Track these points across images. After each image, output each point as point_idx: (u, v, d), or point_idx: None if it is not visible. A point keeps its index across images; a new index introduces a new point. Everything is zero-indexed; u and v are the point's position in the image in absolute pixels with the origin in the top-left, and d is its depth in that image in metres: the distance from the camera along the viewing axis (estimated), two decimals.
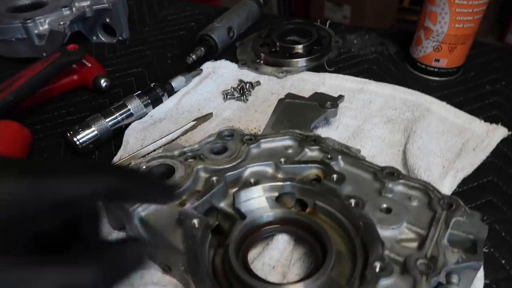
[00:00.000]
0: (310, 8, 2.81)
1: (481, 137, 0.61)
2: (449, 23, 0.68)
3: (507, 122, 0.64)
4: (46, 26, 0.86)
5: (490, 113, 0.67)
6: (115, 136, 0.70)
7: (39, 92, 0.76)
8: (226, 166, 0.52)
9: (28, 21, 0.84)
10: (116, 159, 0.66)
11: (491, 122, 0.63)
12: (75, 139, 0.66)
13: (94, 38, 0.99)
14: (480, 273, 0.45)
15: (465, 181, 0.56)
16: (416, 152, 0.57)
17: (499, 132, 0.61)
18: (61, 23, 0.84)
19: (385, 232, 0.43)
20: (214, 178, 0.49)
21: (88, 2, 0.93)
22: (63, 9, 0.89)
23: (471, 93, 0.72)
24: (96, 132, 0.68)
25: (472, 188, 0.55)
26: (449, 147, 0.61)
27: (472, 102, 0.70)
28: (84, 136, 0.67)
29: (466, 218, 0.43)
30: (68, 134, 0.67)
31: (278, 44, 0.84)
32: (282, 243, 0.48)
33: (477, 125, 0.63)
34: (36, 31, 0.85)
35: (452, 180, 0.55)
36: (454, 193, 0.54)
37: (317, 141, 0.55)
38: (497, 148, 0.60)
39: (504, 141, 0.61)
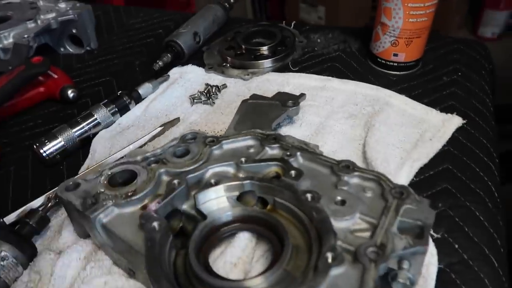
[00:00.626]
0: (285, 10, 2.84)
1: (437, 127, 0.63)
2: (403, 18, 0.71)
3: (463, 112, 0.66)
4: (10, 40, 0.86)
5: (447, 103, 0.69)
6: (83, 146, 0.71)
7: (5, 106, 0.76)
8: (188, 168, 0.53)
9: None
10: (83, 168, 0.67)
11: (447, 112, 0.66)
12: (41, 151, 0.67)
13: (62, 49, 0.99)
14: (434, 258, 0.46)
15: (422, 170, 0.58)
16: (374, 145, 0.59)
17: (454, 122, 0.63)
18: (25, 36, 0.84)
19: (339, 224, 0.44)
20: (176, 181, 0.50)
21: (54, 14, 0.93)
22: (28, 22, 0.89)
23: (429, 85, 0.74)
24: (63, 143, 0.68)
25: (429, 177, 0.57)
26: (407, 138, 0.62)
27: (430, 93, 0.72)
28: (51, 147, 0.67)
29: (415, 205, 0.44)
30: (35, 146, 0.67)
31: (243, 46, 0.86)
32: (243, 240, 0.49)
33: (433, 115, 0.65)
34: (0, 45, 0.85)
35: (408, 170, 0.56)
36: (411, 182, 0.56)
37: (277, 139, 0.57)
38: (453, 137, 0.62)
39: (459, 130, 0.63)
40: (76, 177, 0.63)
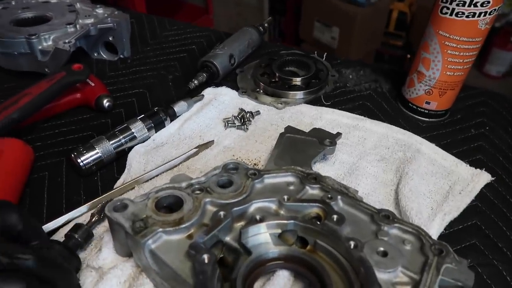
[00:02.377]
0: (299, 28, 2.87)
1: (467, 181, 0.66)
2: (441, 70, 0.73)
3: (490, 167, 0.69)
4: (50, 43, 0.87)
5: (475, 157, 0.72)
6: (118, 159, 0.72)
7: (42, 109, 0.77)
8: (232, 200, 0.54)
9: (33, 36, 0.85)
10: (119, 182, 0.68)
11: (475, 167, 0.68)
12: (79, 160, 0.68)
13: (95, 54, 1.00)
14: None
15: (451, 223, 0.60)
16: (408, 194, 0.61)
17: (483, 177, 0.66)
18: (66, 41, 0.86)
19: (381, 275, 0.46)
20: (222, 213, 0.52)
21: (92, 20, 0.95)
22: (68, 26, 0.90)
23: (457, 136, 0.77)
24: (100, 154, 0.69)
25: (458, 231, 0.60)
26: (437, 188, 0.65)
27: (459, 145, 0.75)
28: (88, 157, 0.68)
29: (455, 265, 0.47)
30: (73, 155, 0.68)
31: (277, 75, 0.88)
32: (282, 278, 0.50)
33: (463, 169, 0.68)
34: (40, 47, 0.86)
35: (440, 222, 0.59)
36: (441, 235, 0.58)
37: (318, 179, 0.59)
38: (481, 192, 0.65)
39: (487, 186, 0.66)
40: (113, 191, 0.65)
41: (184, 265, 0.48)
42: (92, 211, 0.61)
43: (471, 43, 0.70)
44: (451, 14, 0.68)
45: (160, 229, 0.50)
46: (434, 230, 0.58)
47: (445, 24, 0.70)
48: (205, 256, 0.46)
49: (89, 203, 0.62)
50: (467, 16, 0.67)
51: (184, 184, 0.57)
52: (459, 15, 0.67)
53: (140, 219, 0.51)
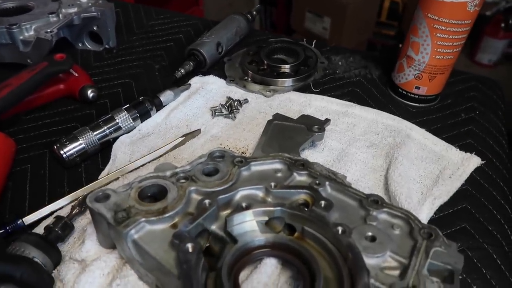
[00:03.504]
0: (291, 19, 2.85)
1: (457, 165, 0.65)
2: (430, 54, 0.72)
3: (480, 151, 0.68)
4: (32, 32, 0.85)
5: (465, 141, 0.71)
6: (102, 149, 0.70)
7: (23, 101, 0.75)
8: (218, 188, 0.53)
9: (14, 26, 0.83)
10: (104, 173, 0.66)
11: (465, 151, 0.67)
12: (62, 152, 0.66)
13: (80, 45, 0.98)
14: None
15: (441, 208, 0.59)
16: (398, 179, 0.60)
17: (473, 161, 0.65)
18: (48, 30, 0.83)
19: (370, 260, 0.45)
20: (207, 201, 0.50)
21: (76, 9, 0.92)
22: (50, 15, 0.88)
23: (447, 120, 0.76)
24: (83, 145, 0.68)
25: (447, 215, 0.59)
26: (427, 173, 0.64)
27: (449, 129, 0.74)
28: (71, 149, 0.67)
29: (444, 248, 0.46)
30: (55, 147, 0.66)
31: (266, 62, 0.86)
32: (270, 266, 0.49)
33: (453, 153, 0.67)
34: (21, 37, 0.84)
35: (430, 207, 0.58)
36: (431, 219, 0.58)
37: (305, 166, 0.57)
38: (471, 176, 0.64)
39: (477, 170, 0.65)
40: (96, 182, 0.64)
41: (169, 255, 0.46)
42: (72, 203, 0.59)
43: (460, 25, 0.68)
44: None
45: (143, 219, 0.48)
46: (424, 214, 0.57)
47: (434, 6, 0.68)
48: (189, 245, 0.45)
49: (71, 194, 0.61)
50: None
51: (168, 173, 0.55)
52: None
53: (122, 209, 0.50)
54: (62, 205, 0.60)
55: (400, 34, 2.78)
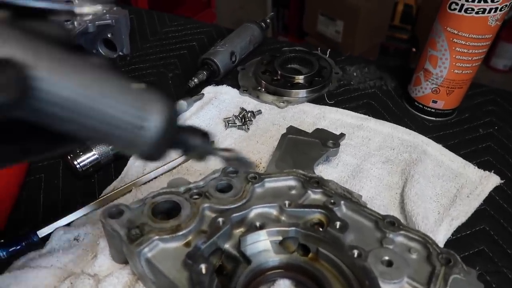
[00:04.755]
0: (303, 21, 2.84)
1: (475, 183, 0.64)
2: (448, 68, 0.71)
3: (499, 169, 0.67)
4: None
5: (483, 158, 0.69)
6: (116, 160, 0.70)
7: None
8: (232, 206, 0.52)
9: None
10: (115, 184, 0.66)
11: (484, 168, 0.66)
12: (75, 163, 0.66)
13: (94, 51, 0.98)
14: None
15: (458, 228, 0.58)
16: (414, 198, 0.59)
17: (492, 180, 0.64)
18: None
19: (386, 286, 0.44)
20: (220, 220, 0.50)
21: (90, 17, 0.92)
22: (65, 23, 0.88)
23: (465, 136, 0.74)
24: (96, 155, 0.68)
25: (465, 236, 0.58)
26: (444, 192, 0.63)
27: (466, 145, 0.72)
28: (85, 159, 0.67)
29: (463, 275, 0.45)
30: (69, 157, 0.66)
31: (279, 73, 0.86)
32: None
33: (471, 171, 0.66)
34: None
35: (447, 228, 0.57)
36: (448, 240, 0.56)
37: (320, 183, 0.57)
38: (490, 195, 0.63)
39: (496, 189, 0.64)
40: (105, 193, 0.63)
41: (181, 275, 0.46)
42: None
43: (480, 40, 0.67)
44: (460, 10, 0.65)
45: (157, 237, 0.48)
46: (441, 235, 0.56)
47: (453, 20, 0.67)
48: (203, 266, 0.45)
49: (86, 206, 0.61)
50: (476, 13, 0.64)
51: (182, 189, 0.55)
52: (468, 11, 0.65)
53: (136, 226, 0.49)
54: (76, 217, 0.60)
55: (413, 37, 2.74)
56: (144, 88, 0.32)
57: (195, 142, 0.38)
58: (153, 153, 0.34)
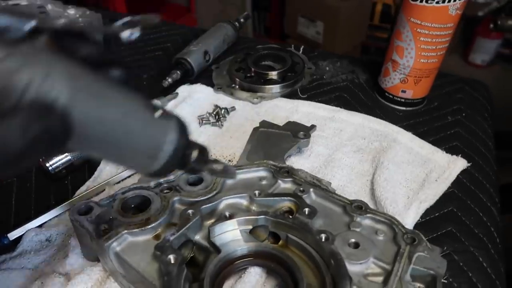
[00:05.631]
0: (283, 24, 2.86)
1: (443, 168, 0.65)
2: (414, 57, 0.73)
3: (467, 153, 0.68)
4: None
5: (451, 144, 0.71)
6: (89, 161, 0.70)
7: None
8: (202, 198, 0.53)
9: None
10: (89, 184, 0.66)
11: (452, 153, 0.67)
12: (47, 165, 0.66)
13: None
14: None
15: (427, 211, 0.59)
16: (383, 183, 0.60)
17: (459, 164, 0.65)
18: None
19: (353, 267, 0.45)
20: (190, 211, 0.50)
21: (63, 21, 0.92)
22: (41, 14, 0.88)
23: (434, 123, 0.76)
24: (69, 157, 0.67)
25: (434, 219, 0.59)
26: (414, 177, 0.64)
27: (435, 132, 0.74)
28: (57, 161, 0.66)
29: (427, 253, 0.46)
30: (40, 159, 0.66)
31: (253, 69, 0.86)
32: (254, 276, 0.49)
33: (439, 156, 0.67)
34: None
35: (416, 211, 0.58)
36: (417, 223, 0.57)
37: (290, 173, 0.57)
38: (458, 179, 0.64)
39: (463, 172, 0.65)
40: (78, 193, 0.63)
41: (151, 267, 0.46)
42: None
43: (443, 29, 0.69)
44: (421, 1, 0.67)
45: (125, 231, 0.48)
46: (410, 218, 0.57)
47: (416, 11, 0.69)
48: (171, 257, 0.45)
49: (56, 208, 0.61)
50: (437, 2, 0.66)
51: (152, 184, 0.55)
52: (429, 2, 0.66)
53: (105, 221, 0.49)
54: (48, 218, 0.60)
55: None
56: (163, 116, 0.35)
57: (198, 162, 0.40)
58: (161, 173, 0.37)
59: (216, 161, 0.42)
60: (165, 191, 0.54)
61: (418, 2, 0.68)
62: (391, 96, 0.80)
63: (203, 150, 0.40)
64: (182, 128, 0.36)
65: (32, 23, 0.25)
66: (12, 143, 0.24)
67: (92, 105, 0.29)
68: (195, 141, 0.41)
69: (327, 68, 0.91)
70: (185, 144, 0.37)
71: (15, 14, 0.25)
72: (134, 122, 0.33)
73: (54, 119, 0.26)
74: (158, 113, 0.34)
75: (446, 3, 0.66)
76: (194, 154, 0.39)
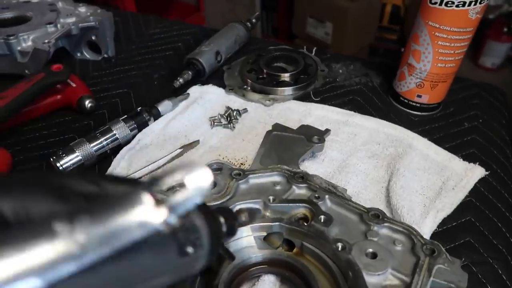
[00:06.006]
0: (292, 24, 2.85)
1: (460, 176, 0.64)
2: (432, 62, 0.71)
3: (484, 161, 0.67)
4: (29, 43, 0.85)
5: (468, 151, 0.70)
6: (99, 162, 0.69)
7: (20, 113, 0.74)
8: (215, 203, 0.52)
9: (11, 37, 0.82)
10: None
11: (469, 161, 0.66)
12: (58, 165, 0.65)
13: (78, 54, 0.97)
14: None
15: (444, 220, 0.58)
16: (399, 191, 0.59)
17: (477, 172, 0.64)
18: (46, 41, 0.83)
19: (370, 278, 0.44)
20: None
21: (74, 19, 0.92)
22: (48, 25, 0.87)
23: (450, 129, 0.75)
24: (80, 157, 0.67)
25: (451, 228, 0.57)
26: (430, 185, 0.63)
27: (452, 138, 0.72)
28: (68, 161, 0.66)
29: (447, 265, 0.44)
30: (51, 159, 0.65)
31: (265, 71, 0.85)
32: (268, 284, 0.48)
33: (456, 163, 0.66)
34: (19, 48, 0.83)
35: (433, 220, 0.56)
36: (434, 233, 0.56)
37: (305, 178, 0.56)
38: (475, 187, 0.63)
39: (481, 180, 0.64)
40: None
41: None
42: None
43: (462, 33, 0.67)
44: (440, 4, 0.66)
45: None
46: (427, 228, 0.55)
47: (434, 14, 0.67)
48: None
49: None
50: (457, 6, 0.64)
51: (165, 187, 0.54)
52: (448, 5, 0.65)
53: None
54: None
55: (402, 38, 2.77)
56: (196, 247, 0.29)
57: (228, 234, 0.38)
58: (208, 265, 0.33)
59: (240, 211, 0.40)
60: None
61: (437, 6, 0.66)
62: (406, 101, 0.78)
63: (228, 218, 0.38)
64: (213, 240, 0.31)
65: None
66: None
67: None
68: (219, 210, 0.38)
69: (340, 71, 0.90)
70: (216, 250, 0.33)
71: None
72: (165, 274, 0.28)
73: None
74: (190, 250, 0.29)
75: (466, 7, 0.64)
76: (225, 234, 0.37)
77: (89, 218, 0.20)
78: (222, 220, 0.37)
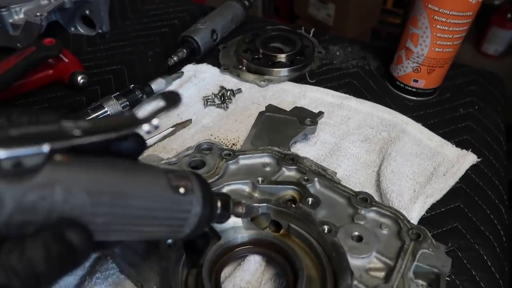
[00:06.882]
0: (294, 4, 2.80)
1: (452, 162, 0.63)
2: (429, 46, 0.70)
3: (477, 148, 0.67)
4: (21, 16, 0.83)
5: (461, 137, 0.69)
6: None
7: (11, 86, 0.73)
8: None
9: (3, 9, 0.80)
10: None
11: (462, 147, 0.66)
12: None
13: (72, 29, 0.96)
14: None
15: (433, 206, 0.58)
16: (390, 176, 0.59)
17: (469, 159, 0.64)
18: (38, 14, 0.81)
19: (355, 261, 0.44)
20: None
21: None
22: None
23: (445, 115, 0.74)
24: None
25: (440, 214, 0.57)
26: (421, 170, 0.62)
27: (446, 124, 0.72)
28: None
29: (432, 250, 0.44)
30: None
31: (261, 51, 0.84)
32: (253, 264, 0.48)
33: (448, 149, 0.65)
34: (10, 20, 0.82)
35: (421, 205, 0.56)
36: (422, 218, 0.56)
37: (295, 160, 0.56)
38: (466, 174, 0.62)
39: (472, 167, 0.64)
40: None
41: (149, 251, 0.46)
42: None
43: (461, 17, 0.66)
44: None
45: None
46: (415, 213, 0.55)
47: None
48: (170, 241, 0.44)
49: None
50: None
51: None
52: None
53: None
54: None
55: (405, 22, 2.72)
56: (187, 191, 0.33)
57: (222, 216, 0.39)
58: (187, 238, 0.37)
59: (238, 203, 0.41)
60: None
61: None
62: (402, 85, 0.77)
63: (225, 202, 0.39)
64: (205, 198, 0.35)
65: (45, 148, 0.24)
66: (38, 264, 0.24)
67: (116, 206, 0.29)
68: (217, 192, 0.40)
69: (338, 53, 0.88)
70: (209, 213, 0.36)
71: (26, 143, 0.24)
72: (158, 207, 0.32)
73: (77, 234, 0.26)
74: (182, 190, 0.33)
75: None
76: (218, 210, 0.38)
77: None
78: (218, 203, 0.39)
